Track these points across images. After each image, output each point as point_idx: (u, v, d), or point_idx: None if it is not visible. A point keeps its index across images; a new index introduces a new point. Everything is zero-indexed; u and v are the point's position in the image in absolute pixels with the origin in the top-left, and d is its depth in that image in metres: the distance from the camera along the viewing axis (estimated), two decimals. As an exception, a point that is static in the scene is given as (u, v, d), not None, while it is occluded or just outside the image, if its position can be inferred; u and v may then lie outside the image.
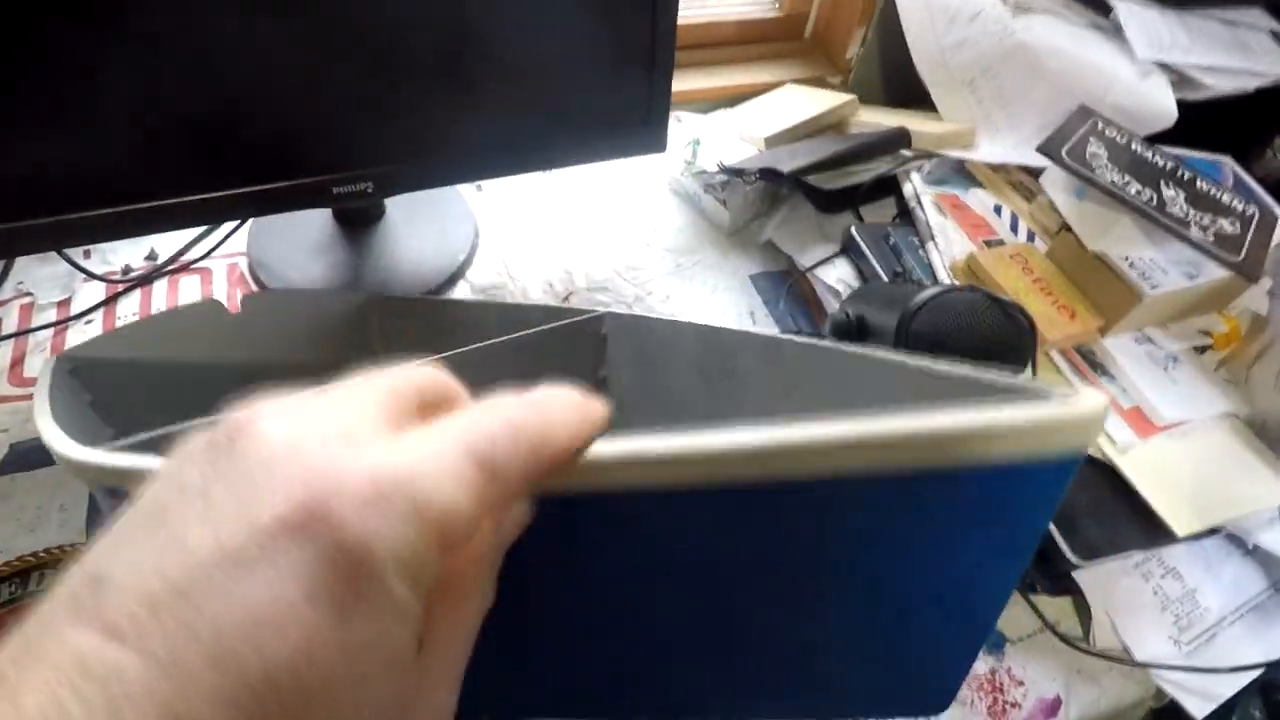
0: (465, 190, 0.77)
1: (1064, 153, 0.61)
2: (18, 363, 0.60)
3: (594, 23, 0.58)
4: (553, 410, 0.16)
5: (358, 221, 0.70)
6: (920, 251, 0.64)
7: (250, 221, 0.70)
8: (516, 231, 0.74)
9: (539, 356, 0.54)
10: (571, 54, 0.59)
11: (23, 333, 0.61)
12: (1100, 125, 0.65)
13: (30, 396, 0.58)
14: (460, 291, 0.69)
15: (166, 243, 0.68)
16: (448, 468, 0.14)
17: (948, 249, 0.62)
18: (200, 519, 0.13)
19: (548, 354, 0.54)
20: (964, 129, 0.71)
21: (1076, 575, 0.53)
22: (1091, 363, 0.57)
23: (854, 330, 0.49)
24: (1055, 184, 0.61)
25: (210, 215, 0.59)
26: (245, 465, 0.13)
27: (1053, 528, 0.51)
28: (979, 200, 0.67)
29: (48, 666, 0.12)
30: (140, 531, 0.14)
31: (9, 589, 0.48)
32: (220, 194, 0.55)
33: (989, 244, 0.63)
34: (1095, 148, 0.62)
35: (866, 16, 0.85)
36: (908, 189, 0.69)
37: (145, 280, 0.65)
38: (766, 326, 0.69)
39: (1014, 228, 0.66)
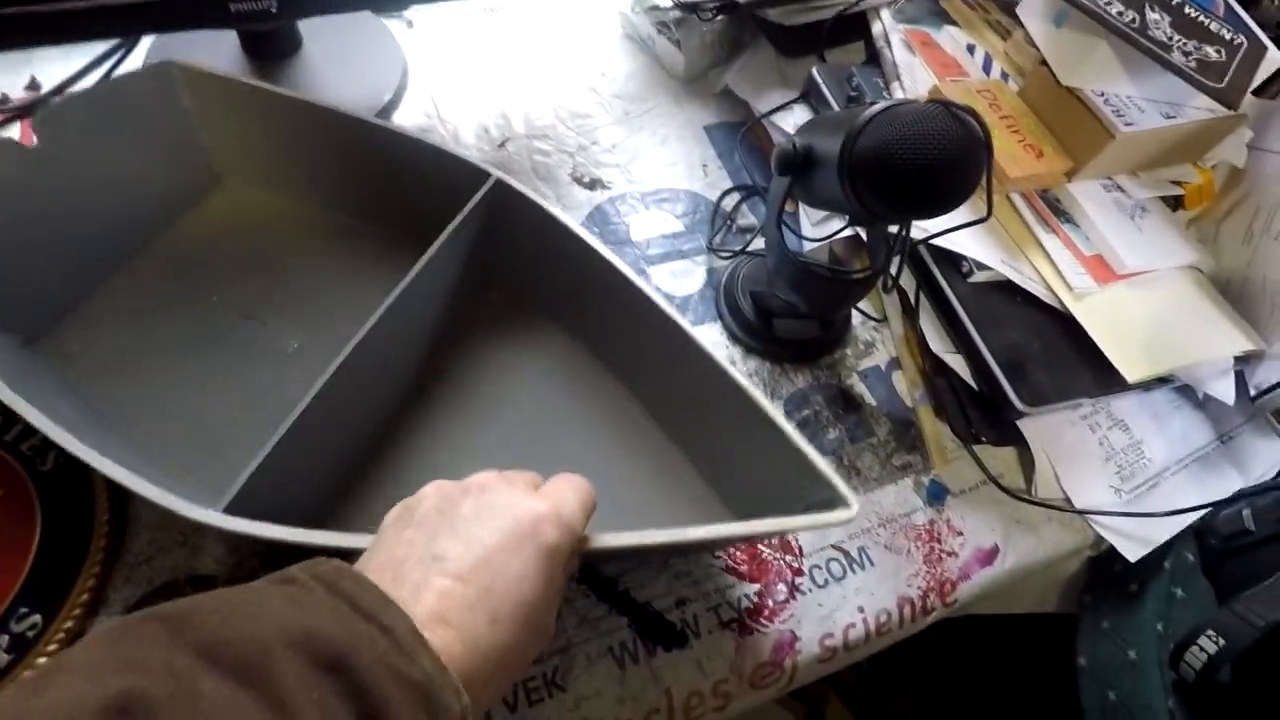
0: (395, 28, 0.69)
1: (1046, -23, 0.55)
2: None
3: None
4: (587, 490, 0.32)
5: (270, 52, 0.63)
6: (884, 93, 0.59)
7: (146, 51, 0.62)
8: (450, 72, 0.68)
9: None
10: None
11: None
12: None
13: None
14: (386, 134, 0.63)
15: (51, 71, 0.61)
16: (578, 512, 0.30)
17: (913, 88, 0.57)
18: (484, 526, 0.27)
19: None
20: (940, -40, 0.65)
21: (1022, 425, 0.51)
22: (1055, 209, 0.54)
23: (800, 160, 0.45)
24: (1033, 11, 0.55)
25: (96, 29, 0.52)
26: (498, 502, 0.29)
27: (1000, 375, 0.49)
28: (951, 38, 0.62)
29: (431, 592, 0.25)
30: (444, 531, 0.27)
31: None
32: (103, 2, 0.48)
33: (955, 83, 0.58)
34: (1080, -24, 0.57)
35: None
36: (876, 28, 0.64)
37: (26, 111, 0.58)
38: (719, 179, 0.65)
39: (986, 68, 0.61)
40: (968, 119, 0.36)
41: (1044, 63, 0.55)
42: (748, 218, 0.63)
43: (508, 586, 0.26)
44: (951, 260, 0.52)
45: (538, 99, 0.67)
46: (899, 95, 0.57)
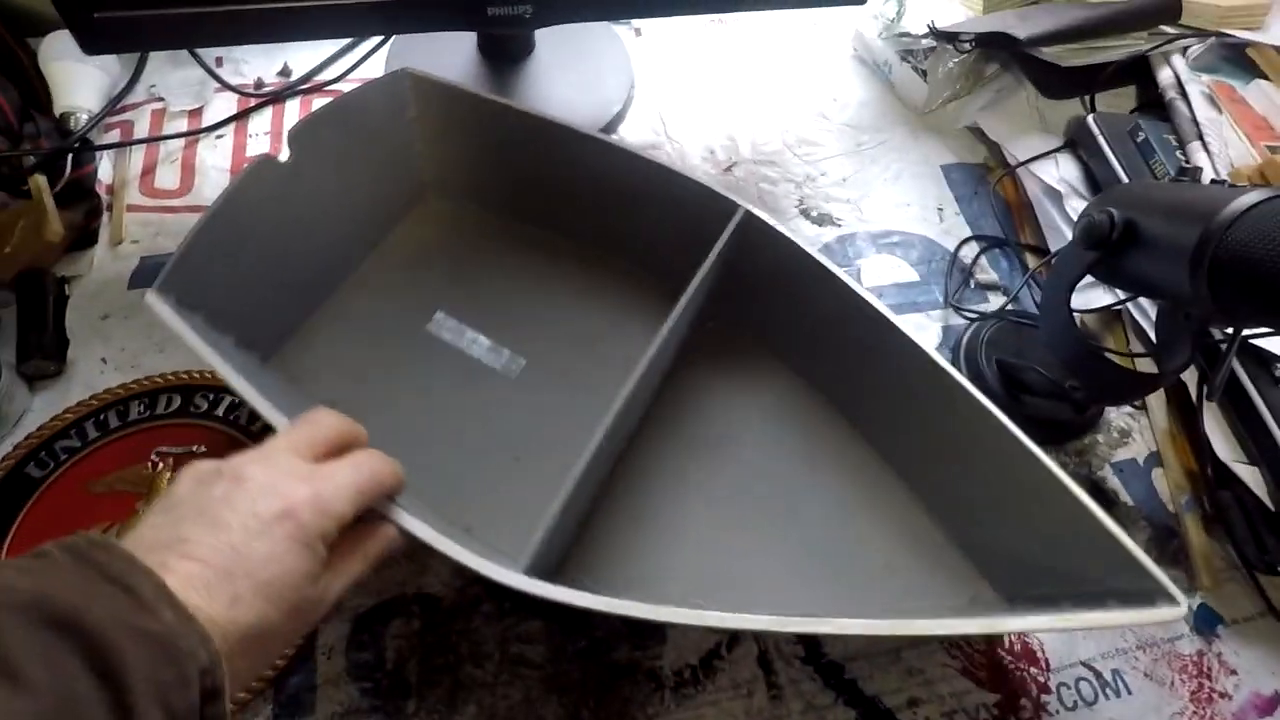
0: (623, 34, 0.67)
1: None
2: (149, 171, 0.56)
3: None
4: (389, 475, 0.33)
5: (504, 55, 0.62)
6: (1179, 153, 0.52)
7: (390, 45, 0.62)
8: (677, 86, 0.65)
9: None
10: None
11: (154, 139, 0.57)
12: None
13: (161, 209, 0.55)
14: (611, 147, 0.61)
15: (301, 59, 0.62)
16: (346, 497, 0.30)
17: (1222, 152, 0.50)
18: (231, 512, 0.27)
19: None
20: (1256, 2, 0.57)
21: (1327, 561, 0.44)
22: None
23: (1115, 238, 0.40)
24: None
25: (353, 25, 0.52)
26: (250, 489, 0.28)
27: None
28: (1264, 95, 0.54)
29: (169, 575, 0.24)
30: (190, 516, 0.27)
31: (138, 407, 0.46)
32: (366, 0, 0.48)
33: (1274, 150, 0.51)
34: None
35: None
36: (1165, 74, 0.57)
37: (278, 97, 0.60)
38: (956, 225, 0.60)
39: (1307, 133, 0.53)
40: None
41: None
42: (988, 273, 0.58)
43: (252, 568, 0.26)
44: (1260, 358, 0.46)
45: (765, 121, 0.64)
46: (1202, 158, 0.50)
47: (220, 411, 0.46)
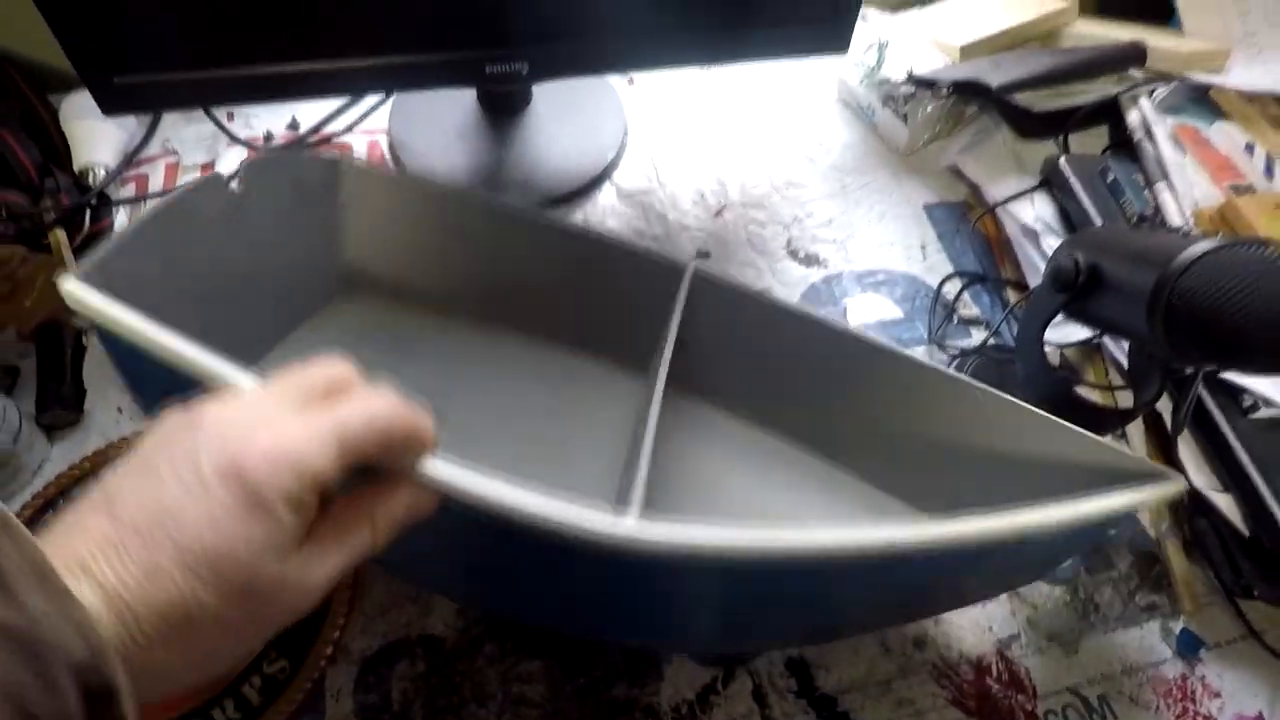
0: (616, 83, 0.70)
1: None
2: (163, 225, 0.58)
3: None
4: (398, 418, 0.24)
5: (503, 108, 0.65)
6: (1146, 193, 0.55)
7: (393, 98, 0.65)
8: (668, 132, 0.68)
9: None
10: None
11: (169, 192, 0.59)
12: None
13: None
14: (606, 194, 0.64)
15: (309, 112, 0.65)
16: (320, 445, 0.23)
17: (1187, 192, 0.52)
18: (169, 463, 0.22)
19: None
20: (1216, 49, 0.60)
21: (1304, 586, 0.45)
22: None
23: (1082, 282, 0.42)
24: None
25: (358, 84, 0.55)
26: (197, 440, 0.22)
27: (1289, 529, 0.44)
28: (1226, 136, 0.57)
29: (81, 533, 0.21)
30: (133, 470, 0.23)
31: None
32: (369, 62, 0.50)
33: (1236, 190, 0.53)
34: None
35: (1092, -91, 0.72)
36: (1133, 117, 0.59)
37: (286, 149, 0.62)
38: (939, 263, 0.62)
39: (1269, 171, 0.55)
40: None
41: (1347, 175, 0.50)
42: (971, 308, 0.60)
43: (179, 533, 0.21)
44: (1229, 390, 0.48)
45: (753, 165, 0.66)
46: (1168, 199, 0.53)
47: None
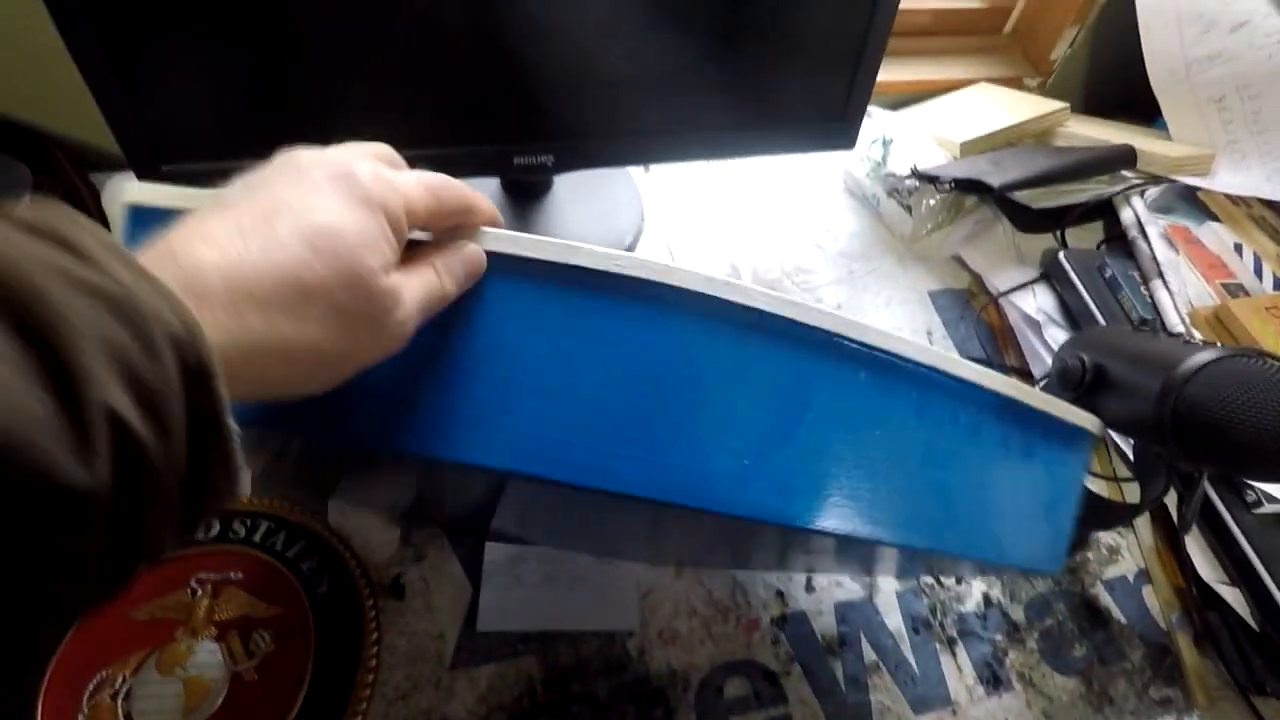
0: (633, 171, 0.73)
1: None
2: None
3: (809, 7, 0.53)
4: (461, 187, 0.27)
5: (525, 194, 0.67)
6: (1142, 289, 0.58)
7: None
8: (683, 218, 0.71)
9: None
10: (783, 41, 0.54)
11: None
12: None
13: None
14: (623, 276, 0.66)
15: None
16: (412, 180, 0.25)
17: (1181, 290, 0.55)
18: (279, 175, 0.24)
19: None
20: (1201, 154, 0.63)
21: (1315, 683, 0.46)
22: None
23: (1087, 381, 0.44)
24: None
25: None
26: (301, 161, 0.24)
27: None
28: (1215, 236, 0.60)
29: (196, 220, 0.22)
30: (257, 183, 0.24)
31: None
32: (402, 152, 0.53)
33: (1228, 289, 0.56)
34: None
35: (1080, 16, 0.77)
36: (1127, 214, 0.62)
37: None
38: (945, 348, 0.64)
39: (1258, 271, 0.58)
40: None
41: (1333, 278, 0.53)
42: (977, 394, 0.62)
43: (295, 216, 0.22)
44: (1233, 484, 0.49)
45: (765, 251, 0.69)
46: (1163, 295, 0.55)
47: (257, 538, 0.48)
